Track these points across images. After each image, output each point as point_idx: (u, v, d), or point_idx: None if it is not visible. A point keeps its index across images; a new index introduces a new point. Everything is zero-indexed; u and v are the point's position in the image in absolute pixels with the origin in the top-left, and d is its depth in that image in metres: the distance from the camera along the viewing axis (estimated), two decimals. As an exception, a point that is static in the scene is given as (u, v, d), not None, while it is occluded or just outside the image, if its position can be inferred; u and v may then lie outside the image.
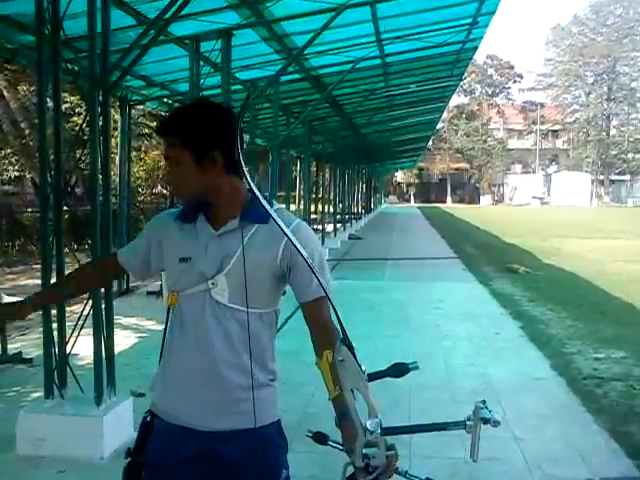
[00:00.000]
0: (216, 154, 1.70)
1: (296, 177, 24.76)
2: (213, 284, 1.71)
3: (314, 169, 22.78)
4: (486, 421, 1.37)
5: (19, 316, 2.09)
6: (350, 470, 1.43)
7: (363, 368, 1.35)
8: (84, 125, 4.48)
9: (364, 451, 1.38)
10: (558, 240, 20.18)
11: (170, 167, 1.76)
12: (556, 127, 71.02)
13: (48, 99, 4.43)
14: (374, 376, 1.43)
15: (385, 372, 1.45)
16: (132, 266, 1.95)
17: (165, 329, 1.82)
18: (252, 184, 1.43)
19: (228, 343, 1.73)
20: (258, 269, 1.72)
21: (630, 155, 66.68)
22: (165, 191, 24.68)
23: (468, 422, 1.38)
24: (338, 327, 1.38)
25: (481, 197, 68.27)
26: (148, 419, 1.80)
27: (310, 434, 1.58)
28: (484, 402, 1.40)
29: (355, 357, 1.35)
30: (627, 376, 5.72)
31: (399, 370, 1.42)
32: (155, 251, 1.87)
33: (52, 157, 4.28)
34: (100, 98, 4.18)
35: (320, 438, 1.56)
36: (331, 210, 21.93)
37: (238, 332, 1.73)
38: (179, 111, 1.88)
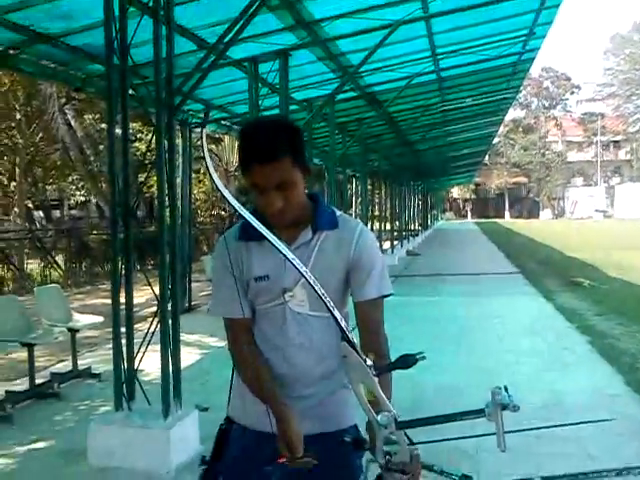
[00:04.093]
0: (311, 165, 1.70)
1: (352, 196, 24.84)
2: (291, 296, 1.73)
3: (370, 187, 22.78)
4: (505, 407, 1.28)
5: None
6: (377, 471, 1.40)
7: (368, 362, 1.33)
8: (150, 148, 4.61)
9: (385, 448, 1.35)
10: (623, 253, 19.46)
11: (283, 192, 1.62)
12: (618, 138, 68.85)
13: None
14: (382, 369, 1.40)
15: (393, 365, 1.41)
16: (249, 311, 1.78)
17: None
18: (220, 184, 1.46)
19: (312, 351, 1.75)
20: (333, 274, 1.73)
21: (698, 164, 64.07)
22: (223, 213, 25.13)
23: (487, 409, 1.30)
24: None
25: (541, 211, 66.70)
26: (224, 427, 1.83)
27: (349, 439, 1.56)
28: (505, 388, 1.30)
29: (358, 352, 1.33)
30: None
31: (406, 362, 1.37)
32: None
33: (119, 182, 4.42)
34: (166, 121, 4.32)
35: (358, 444, 1.53)
36: (388, 227, 21.82)
37: (322, 338, 1.74)
38: (269, 131, 1.63)
